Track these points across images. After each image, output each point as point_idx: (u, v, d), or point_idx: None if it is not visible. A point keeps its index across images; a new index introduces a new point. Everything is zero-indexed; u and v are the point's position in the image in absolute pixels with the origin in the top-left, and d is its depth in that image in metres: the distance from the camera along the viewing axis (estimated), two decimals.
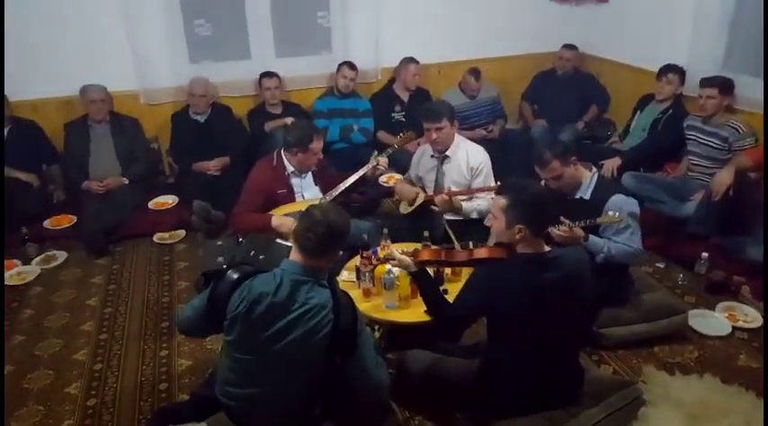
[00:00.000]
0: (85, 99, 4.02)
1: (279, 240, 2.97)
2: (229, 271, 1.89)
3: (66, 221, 3.89)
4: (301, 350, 1.82)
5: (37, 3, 3.97)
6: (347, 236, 1.92)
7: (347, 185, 3.30)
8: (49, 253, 3.69)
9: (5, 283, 3.36)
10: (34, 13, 3.98)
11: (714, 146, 3.63)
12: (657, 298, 2.90)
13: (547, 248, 2.03)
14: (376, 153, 3.45)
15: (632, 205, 2.65)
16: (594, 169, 2.80)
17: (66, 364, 2.74)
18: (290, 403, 1.91)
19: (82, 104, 4.07)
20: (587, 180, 2.73)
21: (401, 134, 3.66)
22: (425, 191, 3.35)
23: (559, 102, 4.92)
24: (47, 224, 3.84)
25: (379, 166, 3.33)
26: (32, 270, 3.51)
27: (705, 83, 3.66)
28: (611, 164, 4.09)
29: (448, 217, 3.16)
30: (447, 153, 3.26)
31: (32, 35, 4.01)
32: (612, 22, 4.95)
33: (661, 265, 3.45)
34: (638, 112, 4.38)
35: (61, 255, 3.69)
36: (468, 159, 3.25)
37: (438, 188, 3.31)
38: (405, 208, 3.42)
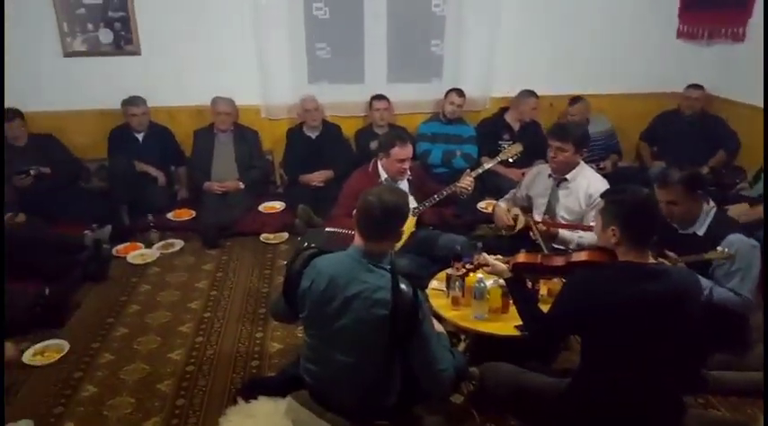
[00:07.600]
0: (215, 109, 4.41)
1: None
2: (303, 251, 2.02)
3: (186, 215, 4.26)
4: (359, 329, 1.86)
5: (185, 19, 4.44)
6: (405, 212, 1.96)
7: (439, 198, 3.36)
8: (168, 241, 4.03)
9: (129, 262, 3.74)
10: (181, 29, 4.46)
11: None
12: None
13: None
14: (469, 169, 3.47)
15: (751, 247, 2.42)
16: (713, 203, 2.58)
17: (171, 334, 2.98)
18: (362, 387, 1.93)
19: (211, 113, 4.46)
20: (703, 214, 2.52)
21: (507, 145, 3.62)
22: (532, 213, 3.19)
23: (683, 145, 4.62)
24: (170, 215, 4.24)
25: (461, 185, 3.32)
26: (152, 254, 3.86)
27: None
28: (739, 210, 3.78)
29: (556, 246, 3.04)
30: (567, 176, 3.13)
31: (180, 49, 4.48)
32: (747, 62, 4.65)
33: None
34: None
35: (179, 244, 4.02)
36: (588, 187, 3.06)
37: (549, 211, 3.19)
38: (506, 231, 3.35)
